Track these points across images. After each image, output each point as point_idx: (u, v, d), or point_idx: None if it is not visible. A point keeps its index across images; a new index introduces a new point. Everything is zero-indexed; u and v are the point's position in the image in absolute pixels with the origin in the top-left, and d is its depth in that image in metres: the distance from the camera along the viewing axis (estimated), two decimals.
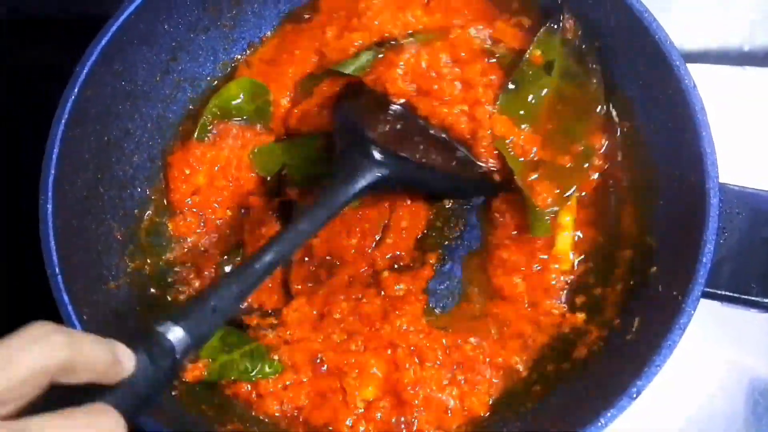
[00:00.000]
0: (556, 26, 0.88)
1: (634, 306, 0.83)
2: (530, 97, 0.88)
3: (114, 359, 0.51)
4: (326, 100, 0.93)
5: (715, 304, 0.79)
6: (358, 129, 0.86)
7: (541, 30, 0.88)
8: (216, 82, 0.99)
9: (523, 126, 0.87)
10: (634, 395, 0.72)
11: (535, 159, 0.87)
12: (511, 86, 0.87)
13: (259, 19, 1.00)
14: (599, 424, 0.71)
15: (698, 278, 0.74)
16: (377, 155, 0.82)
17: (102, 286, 0.84)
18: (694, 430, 0.96)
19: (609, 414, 0.71)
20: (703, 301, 0.75)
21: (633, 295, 0.84)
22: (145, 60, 0.90)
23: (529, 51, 0.87)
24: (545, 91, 0.88)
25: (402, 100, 0.88)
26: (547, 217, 0.87)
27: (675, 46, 0.81)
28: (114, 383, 0.51)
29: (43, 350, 0.45)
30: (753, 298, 0.78)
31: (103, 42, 0.82)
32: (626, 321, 0.82)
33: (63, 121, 0.80)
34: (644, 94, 0.87)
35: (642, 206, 0.87)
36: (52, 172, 0.79)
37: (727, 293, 0.78)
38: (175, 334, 0.56)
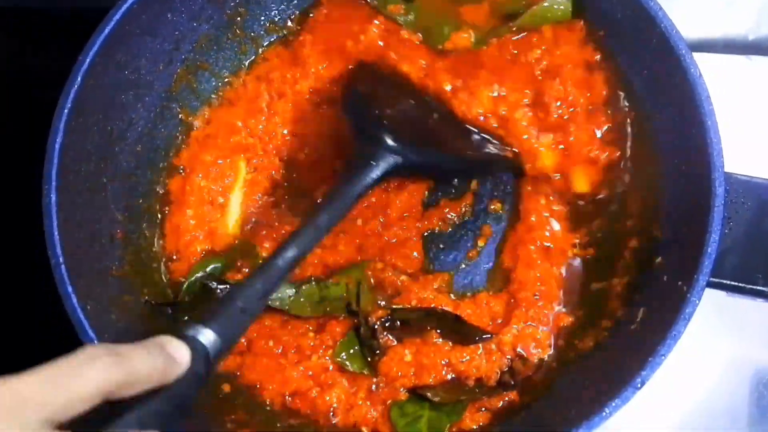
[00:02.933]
0: None
1: (639, 297, 0.83)
2: None
3: (165, 363, 0.52)
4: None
5: (719, 295, 0.79)
6: (370, 116, 0.85)
7: None
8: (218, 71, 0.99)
9: None
10: (639, 385, 0.72)
11: None
12: None
13: (263, 7, 0.99)
14: (603, 414, 0.71)
15: (703, 268, 0.74)
16: (391, 142, 0.80)
17: (107, 277, 0.84)
18: (698, 422, 0.96)
19: (613, 404, 0.71)
20: (707, 293, 0.75)
21: (638, 286, 0.84)
22: (148, 50, 0.90)
23: None
24: None
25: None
26: None
27: (681, 36, 0.81)
28: (171, 382, 0.52)
29: (99, 372, 0.48)
30: (759, 288, 0.78)
31: (106, 31, 0.82)
32: (631, 312, 0.82)
33: (65, 111, 0.79)
34: (650, 85, 0.86)
35: (647, 196, 0.87)
36: (55, 162, 0.78)
37: (732, 283, 0.78)
38: (207, 337, 0.56)
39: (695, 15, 1.13)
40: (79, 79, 0.80)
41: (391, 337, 0.87)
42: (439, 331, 0.88)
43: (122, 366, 0.49)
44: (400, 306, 0.89)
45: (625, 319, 0.83)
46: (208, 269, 0.91)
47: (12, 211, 0.98)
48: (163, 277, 0.92)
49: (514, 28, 0.91)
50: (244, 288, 0.64)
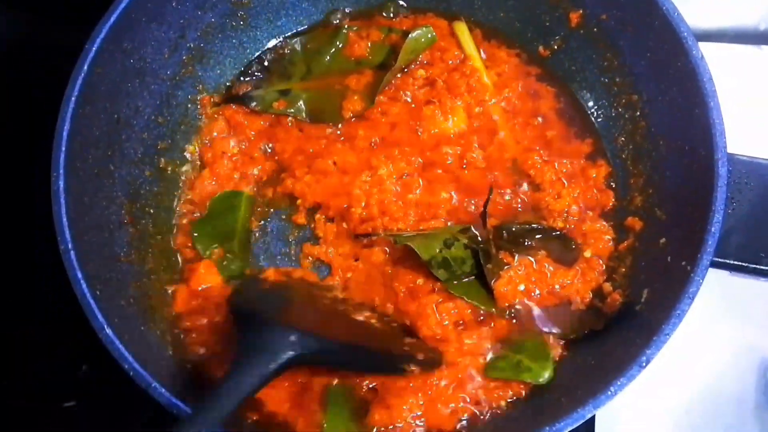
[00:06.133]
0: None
1: (644, 278, 0.84)
2: None
3: None
4: None
5: (725, 283, 0.79)
6: (261, 320, 0.79)
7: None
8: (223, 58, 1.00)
9: None
10: (644, 364, 0.72)
11: None
12: None
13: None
14: (609, 392, 0.71)
15: (707, 248, 0.74)
16: (289, 334, 0.75)
17: (115, 263, 0.85)
18: (705, 407, 0.96)
19: (619, 382, 0.71)
20: (713, 281, 0.75)
21: (642, 267, 0.85)
22: (154, 37, 0.91)
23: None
24: None
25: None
26: None
27: (683, 19, 0.81)
28: None
29: None
30: (762, 267, 0.78)
31: (112, 19, 0.83)
32: (635, 292, 0.83)
33: (73, 98, 0.80)
34: (653, 69, 0.87)
35: (650, 179, 0.87)
36: (63, 149, 0.79)
37: (735, 263, 0.78)
38: None
39: (706, 5, 1.13)
40: (86, 67, 0.81)
41: (505, 252, 0.88)
42: (545, 251, 0.88)
43: None
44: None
45: (630, 300, 0.83)
46: None
47: (17, 199, 0.98)
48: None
49: (401, 71, 0.96)
50: None
